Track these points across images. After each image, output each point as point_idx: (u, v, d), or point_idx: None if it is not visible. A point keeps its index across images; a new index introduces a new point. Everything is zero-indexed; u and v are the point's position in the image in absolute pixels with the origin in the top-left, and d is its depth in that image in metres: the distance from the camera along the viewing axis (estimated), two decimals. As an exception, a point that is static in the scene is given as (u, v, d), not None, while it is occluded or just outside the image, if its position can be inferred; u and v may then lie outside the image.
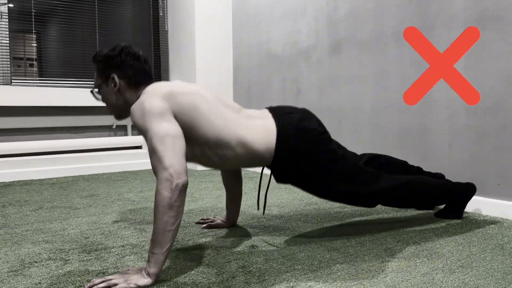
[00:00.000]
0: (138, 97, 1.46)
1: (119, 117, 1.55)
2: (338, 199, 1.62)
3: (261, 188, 1.78)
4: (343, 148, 1.79)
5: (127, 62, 1.47)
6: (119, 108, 1.51)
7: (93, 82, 3.58)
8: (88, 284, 1.16)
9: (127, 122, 3.73)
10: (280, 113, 1.54)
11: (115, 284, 1.15)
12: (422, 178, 1.79)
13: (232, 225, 1.82)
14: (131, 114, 1.36)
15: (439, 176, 1.97)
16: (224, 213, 2.01)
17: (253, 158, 1.48)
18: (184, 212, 2.07)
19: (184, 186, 1.20)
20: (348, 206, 2.18)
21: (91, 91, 1.54)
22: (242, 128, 1.45)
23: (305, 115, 1.57)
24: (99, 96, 1.53)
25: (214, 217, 1.87)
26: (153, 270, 1.19)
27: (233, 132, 1.43)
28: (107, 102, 1.51)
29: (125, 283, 1.15)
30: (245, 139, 1.44)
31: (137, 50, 1.50)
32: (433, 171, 2.21)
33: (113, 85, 1.47)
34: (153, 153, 1.24)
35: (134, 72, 1.47)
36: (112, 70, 1.47)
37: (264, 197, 1.78)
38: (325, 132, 1.58)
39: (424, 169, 2.05)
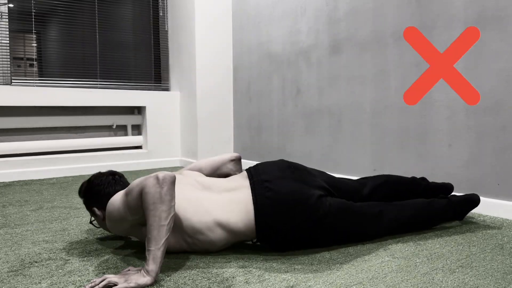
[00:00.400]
0: None
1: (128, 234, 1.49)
2: (341, 241, 1.56)
3: None
4: (335, 186, 1.64)
5: (99, 193, 1.52)
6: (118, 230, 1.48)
7: (92, 83, 3.59)
8: (89, 284, 1.16)
9: (127, 122, 3.73)
10: (257, 182, 1.47)
11: (115, 284, 1.15)
12: (427, 208, 1.71)
13: None
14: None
15: (448, 187, 1.90)
16: None
17: (236, 236, 1.42)
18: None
19: (172, 179, 1.24)
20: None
21: (91, 223, 1.64)
22: (218, 209, 1.41)
23: (283, 175, 1.49)
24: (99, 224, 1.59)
25: None
26: (151, 267, 1.19)
27: (208, 216, 1.39)
28: (102, 226, 1.57)
29: (125, 283, 1.15)
30: (223, 220, 1.40)
31: (97, 175, 1.57)
32: (433, 171, 2.21)
33: (97, 216, 1.53)
34: (137, 185, 1.26)
35: (104, 195, 1.51)
36: (91, 205, 1.54)
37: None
38: (304, 192, 1.45)
39: (427, 176, 2.02)
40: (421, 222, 1.71)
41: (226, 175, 1.74)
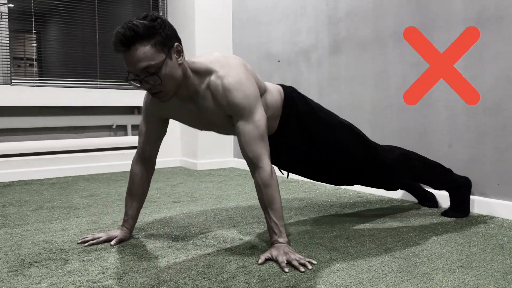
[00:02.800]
0: (194, 68, 1.40)
1: (174, 93, 1.38)
2: (346, 139, 1.71)
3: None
4: None
5: (173, 27, 1.32)
6: (179, 81, 1.35)
7: (92, 83, 3.57)
8: (284, 262, 1.32)
9: (127, 122, 3.73)
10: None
11: (296, 259, 1.32)
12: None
13: (130, 235, 1.64)
14: (228, 91, 1.36)
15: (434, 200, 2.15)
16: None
17: (276, 100, 1.61)
18: (184, 212, 2.07)
19: (276, 175, 1.43)
20: (347, 206, 2.18)
21: (153, 74, 1.26)
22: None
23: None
24: (155, 80, 1.28)
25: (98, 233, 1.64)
26: (284, 238, 1.41)
27: (269, 83, 1.65)
28: (171, 78, 1.31)
29: (295, 255, 1.34)
30: (271, 87, 1.63)
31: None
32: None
33: (176, 56, 1.31)
34: (260, 139, 1.39)
35: (180, 40, 1.36)
36: (173, 38, 1.30)
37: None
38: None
39: None
40: (425, 159, 1.88)
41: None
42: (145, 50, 1.24)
